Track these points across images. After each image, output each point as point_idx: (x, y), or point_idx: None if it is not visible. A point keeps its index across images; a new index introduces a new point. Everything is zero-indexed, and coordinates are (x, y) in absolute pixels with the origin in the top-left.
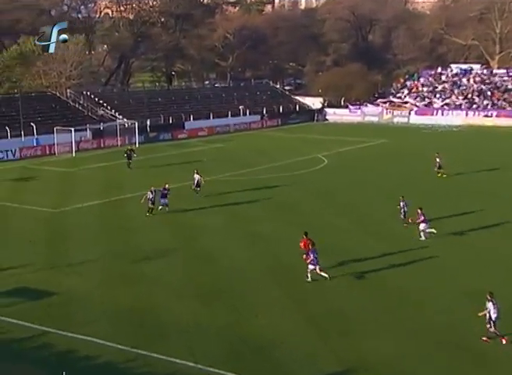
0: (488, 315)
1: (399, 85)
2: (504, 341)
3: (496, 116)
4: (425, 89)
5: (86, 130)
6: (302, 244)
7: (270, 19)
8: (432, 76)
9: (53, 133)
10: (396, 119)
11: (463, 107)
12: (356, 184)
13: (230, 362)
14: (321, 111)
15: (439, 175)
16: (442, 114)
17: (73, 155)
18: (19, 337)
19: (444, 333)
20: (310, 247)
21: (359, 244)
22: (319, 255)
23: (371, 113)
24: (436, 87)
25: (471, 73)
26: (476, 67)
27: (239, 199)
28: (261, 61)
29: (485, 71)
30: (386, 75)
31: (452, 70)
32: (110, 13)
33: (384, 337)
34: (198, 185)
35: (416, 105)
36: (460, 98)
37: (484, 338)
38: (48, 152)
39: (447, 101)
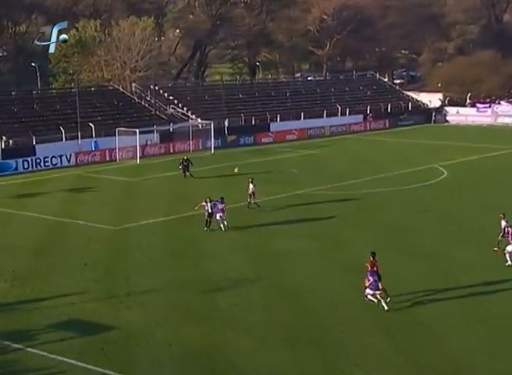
0: None
1: None
2: None
3: None
4: None
5: (153, 131)
6: (368, 266)
7: None
8: None
9: (114, 135)
10: None
11: None
12: (485, 204)
13: None
14: (440, 110)
15: None
16: None
17: (137, 161)
18: None
19: None
20: (370, 268)
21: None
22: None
23: (505, 113)
24: None
25: None
26: None
27: (332, 218)
28: (365, 48)
29: None
30: None
31: None
32: None
33: None
34: (253, 195)
35: None
36: None
37: None
38: (107, 158)
39: None
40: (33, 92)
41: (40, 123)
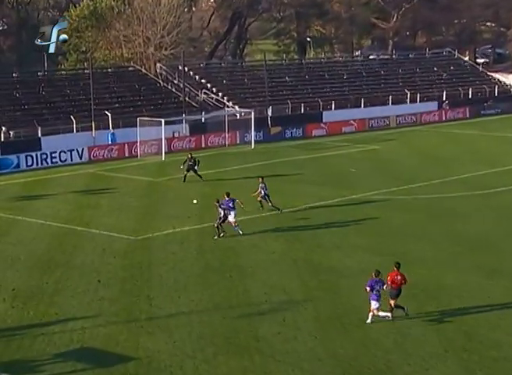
0: None
1: None
2: None
3: None
4: None
5: (181, 122)
6: (389, 280)
7: None
8: None
9: (135, 126)
10: None
11: None
12: None
13: None
14: None
15: None
16: None
17: (162, 158)
18: None
19: None
20: (391, 283)
21: None
22: None
23: None
24: None
25: None
26: None
27: (397, 229)
28: (441, 20)
29: None
30: None
31: None
32: None
33: None
34: (267, 198)
35: None
36: None
37: None
38: (127, 154)
39: None
40: (39, 74)
41: (47, 111)
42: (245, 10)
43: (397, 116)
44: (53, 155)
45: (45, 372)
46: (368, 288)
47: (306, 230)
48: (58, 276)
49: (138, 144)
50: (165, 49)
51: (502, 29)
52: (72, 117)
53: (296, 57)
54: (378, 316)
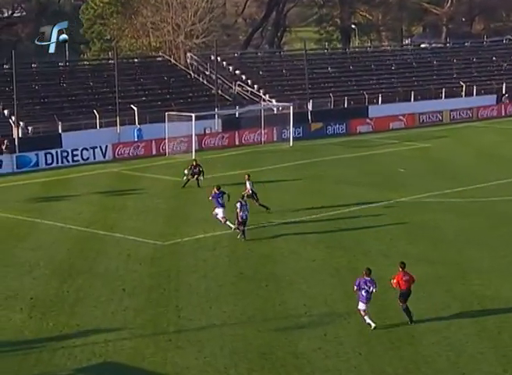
0: None
1: None
2: None
3: None
4: None
5: (213, 117)
6: (395, 282)
7: None
8: None
9: (163, 121)
10: None
11: None
12: None
13: None
14: None
15: None
16: None
17: (193, 156)
18: None
19: None
20: (398, 284)
21: None
22: None
23: None
24: None
25: None
26: None
27: (452, 236)
28: (500, 5)
29: None
30: None
31: None
32: None
33: None
34: (255, 196)
35: None
36: None
37: None
38: (154, 151)
39: None
40: (60, 64)
41: (68, 105)
42: None
43: (451, 110)
44: (74, 152)
45: None
46: (355, 287)
47: (349, 235)
48: (80, 284)
49: (166, 141)
50: (197, 37)
51: None
52: (95, 111)
53: (339, 46)
54: (364, 319)
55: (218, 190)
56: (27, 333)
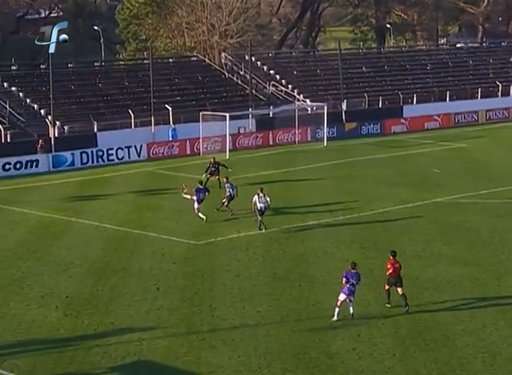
0: None
1: None
2: None
3: None
4: None
5: (247, 117)
6: (388, 268)
7: None
8: None
9: (198, 121)
10: None
11: None
12: None
13: None
14: None
15: None
16: None
17: (227, 156)
18: None
19: None
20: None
21: None
22: None
23: None
24: None
25: None
26: None
27: (487, 237)
28: None
29: None
30: None
31: None
32: None
33: None
34: (232, 198)
35: None
36: None
37: None
38: (188, 151)
39: None
40: (96, 64)
41: (104, 105)
42: None
43: (487, 110)
44: (109, 152)
45: None
46: (344, 279)
47: (384, 236)
48: (114, 283)
49: (201, 140)
50: (231, 37)
51: None
52: (130, 111)
53: (374, 45)
54: (334, 309)
55: (200, 184)
56: (63, 331)
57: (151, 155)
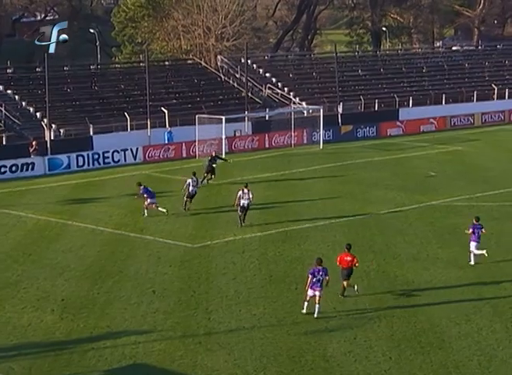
0: None
1: None
2: None
3: None
4: None
5: (243, 119)
6: (338, 261)
7: None
8: None
9: (194, 124)
10: None
11: None
12: None
13: None
14: None
15: None
16: None
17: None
18: None
19: None
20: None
21: None
22: None
23: None
24: None
25: None
26: None
27: (483, 239)
28: None
29: None
30: None
31: None
32: None
33: None
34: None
35: None
36: None
37: None
38: (184, 154)
39: None
40: (92, 67)
41: (100, 108)
42: None
43: (483, 113)
44: (105, 154)
45: None
46: (310, 275)
47: (380, 239)
48: (110, 286)
49: (196, 143)
50: (227, 40)
51: None
52: (126, 114)
53: (370, 48)
54: (303, 303)
55: (140, 185)
56: (58, 334)
57: (146, 157)
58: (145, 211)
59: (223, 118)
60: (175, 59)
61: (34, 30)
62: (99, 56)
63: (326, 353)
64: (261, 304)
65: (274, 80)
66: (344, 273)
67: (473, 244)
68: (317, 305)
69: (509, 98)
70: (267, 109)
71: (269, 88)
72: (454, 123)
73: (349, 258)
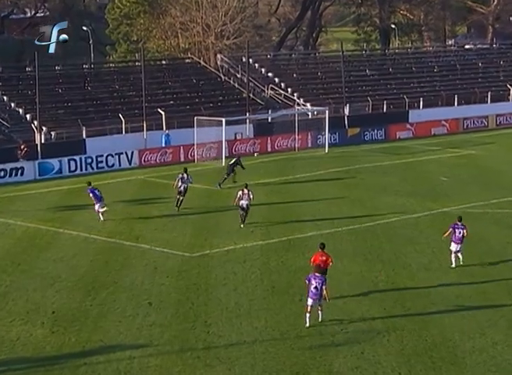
0: None
1: None
2: None
3: None
4: None
5: (245, 121)
6: (312, 260)
7: None
8: None
9: (193, 126)
10: None
11: None
12: None
13: None
14: None
15: None
16: None
17: (223, 163)
18: None
19: None
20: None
21: None
22: None
23: None
24: None
25: None
26: None
27: (498, 248)
28: None
29: None
30: None
31: None
32: None
33: None
34: (185, 191)
35: None
36: None
37: None
38: (182, 158)
39: None
40: (84, 67)
41: (93, 110)
42: None
43: (497, 115)
44: (99, 159)
45: None
46: (307, 281)
47: (389, 248)
48: (104, 298)
49: (195, 147)
50: (227, 38)
51: None
52: (120, 116)
53: (378, 47)
54: (305, 315)
55: (89, 185)
56: (49, 348)
57: (142, 162)
58: (100, 216)
59: (223, 120)
60: (172, 58)
61: (24, 28)
62: (92, 55)
63: (332, 369)
64: (263, 316)
65: (277, 80)
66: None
67: (453, 245)
68: (319, 312)
69: None
70: (269, 111)
71: (272, 89)
72: (467, 126)
73: (324, 258)
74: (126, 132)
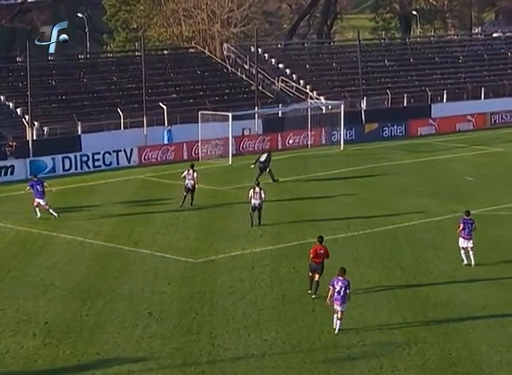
0: None
1: None
2: None
3: None
4: None
5: (253, 116)
6: (311, 251)
7: None
8: None
9: (197, 121)
10: None
11: None
12: None
13: None
14: None
15: None
16: None
17: (230, 161)
18: None
19: None
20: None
21: None
22: None
23: None
24: None
25: None
26: None
27: None
28: None
29: None
30: None
31: None
32: None
33: None
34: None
35: None
36: None
37: None
38: (185, 156)
39: None
40: (80, 57)
41: (89, 103)
42: None
43: None
44: (96, 157)
45: None
46: (331, 287)
47: (409, 253)
48: (101, 308)
49: (199, 144)
50: (235, 26)
51: None
52: (119, 110)
53: (398, 35)
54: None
55: (35, 177)
56: (41, 362)
57: (142, 160)
58: (36, 210)
59: (230, 115)
60: (175, 48)
61: (15, 15)
62: (88, 44)
63: None
64: (273, 328)
65: (288, 71)
66: (313, 267)
67: (461, 241)
68: (338, 321)
69: None
70: (280, 105)
71: (282, 81)
72: (495, 121)
73: (322, 252)
74: (124, 127)
